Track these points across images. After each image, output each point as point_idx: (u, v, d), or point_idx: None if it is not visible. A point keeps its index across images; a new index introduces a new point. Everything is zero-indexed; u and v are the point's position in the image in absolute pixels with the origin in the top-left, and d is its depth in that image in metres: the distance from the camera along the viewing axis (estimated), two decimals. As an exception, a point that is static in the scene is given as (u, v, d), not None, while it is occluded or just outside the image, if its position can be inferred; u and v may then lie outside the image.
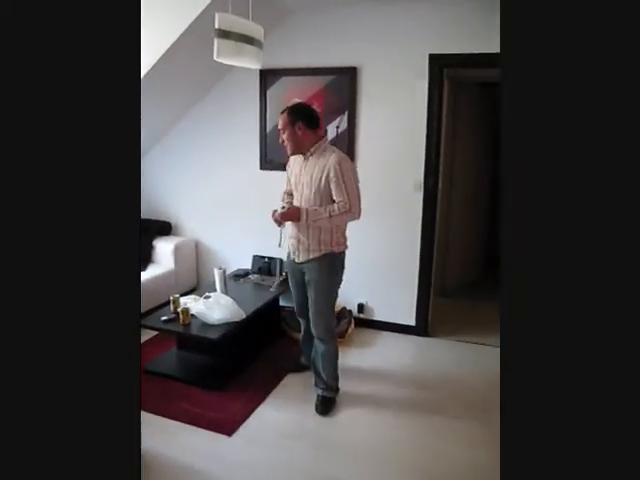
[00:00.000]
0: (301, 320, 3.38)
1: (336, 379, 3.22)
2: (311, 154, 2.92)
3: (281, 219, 2.93)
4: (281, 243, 3.09)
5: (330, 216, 2.81)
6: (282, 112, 2.92)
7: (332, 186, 2.81)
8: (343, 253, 3.05)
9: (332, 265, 2.99)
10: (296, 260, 3.06)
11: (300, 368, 3.54)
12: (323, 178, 2.83)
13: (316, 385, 3.21)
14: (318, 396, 3.17)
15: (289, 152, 2.97)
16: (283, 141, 2.93)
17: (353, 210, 2.81)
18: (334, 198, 2.83)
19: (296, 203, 3.02)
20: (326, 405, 3.14)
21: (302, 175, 2.96)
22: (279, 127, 2.92)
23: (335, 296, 3.12)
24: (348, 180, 2.80)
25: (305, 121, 2.87)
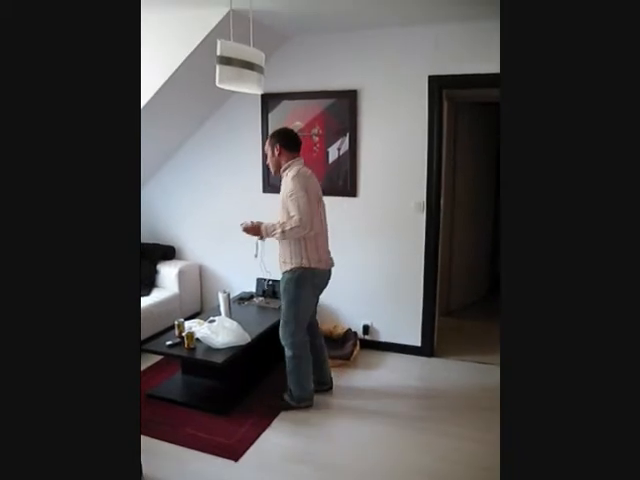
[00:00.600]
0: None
1: (299, 388, 3.32)
2: (282, 172, 3.20)
3: (245, 232, 3.22)
4: (257, 254, 3.34)
5: (283, 231, 3.02)
6: (268, 138, 3.28)
7: (287, 202, 3.03)
8: (315, 269, 3.18)
9: (299, 279, 3.15)
10: (280, 271, 3.28)
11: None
12: (283, 195, 3.10)
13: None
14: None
15: (272, 172, 3.31)
16: (267, 162, 3.29)
17: (302, 225, 2.97)
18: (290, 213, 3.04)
19: None
20: (279, 407, 3.36)
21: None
22: (265, 150, 3.30)
23: (303, 310, 3.24)
24: (300, 196, 2.98)
25: (282, 143, 3.18)
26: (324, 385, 3.54)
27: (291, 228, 2.98)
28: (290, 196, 3.00)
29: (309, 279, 3.17)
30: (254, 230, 3.17)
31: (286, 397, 3.37)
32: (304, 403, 3.35)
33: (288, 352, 3.29)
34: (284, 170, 3.17)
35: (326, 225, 3.29)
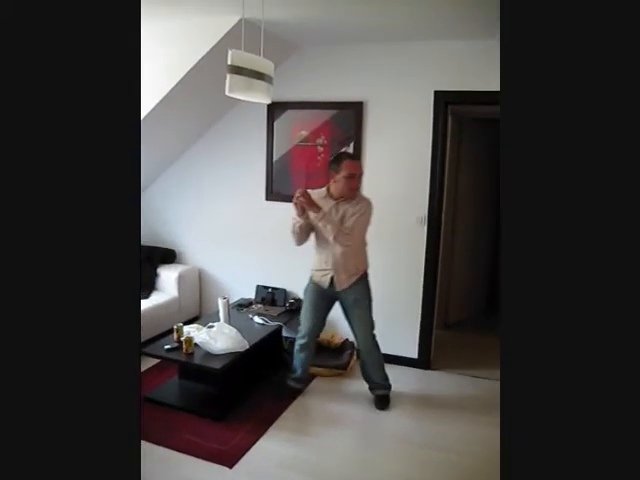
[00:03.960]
0: (306, 342, 3.56)
1: (385, 374, 3.60)
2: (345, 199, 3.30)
3: (300, 203, 3.12)
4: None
5: (339, 230, 3.17)
6: (355, 159, 3.43)
7: (361, 218, 3.26)
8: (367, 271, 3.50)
9: (368, 281, 3.46)
10: (337, 289, 3.37)
11: (294, 392, 3.69)
12: (358, 211, 3.25)
13: (372, 389, 3.61)
14: (377, 396, 3.57)
15: (355, 194, 3.28)
16: (356, 185, 3.27)
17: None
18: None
19: (321, 241, 3.34)
20: (386, 402, 3.55)
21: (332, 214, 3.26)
22: (358, 172, 3.27)
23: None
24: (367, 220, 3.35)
25: None
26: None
27: (345, 235, 3.18)
28: (364, 214, 3.25)
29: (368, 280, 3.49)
30: (313, 203, 3.14)
31: (384, 393, 3.58)
32: (390, 389, 3.61)
33: (376, 354, 3.53)
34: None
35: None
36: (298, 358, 3.62)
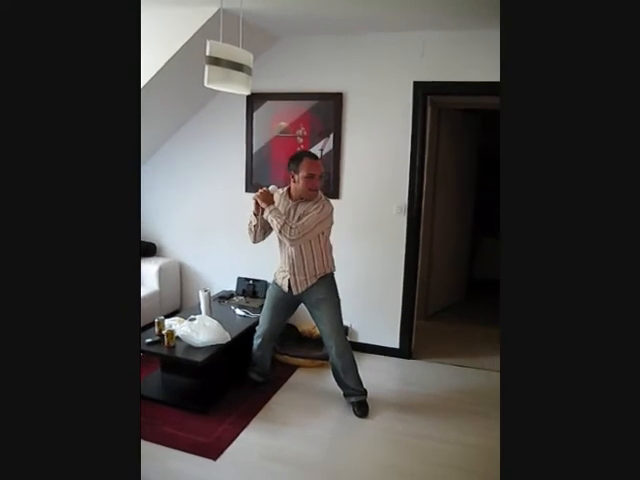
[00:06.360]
0: (262, 342, 3.50)
1: (359, 379, 3.41)
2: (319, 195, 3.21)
3: (258, 197, 3.11)
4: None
5: (285, 223, 3.03)
6: (316, 158, 3.21)
7: (316, 217, 3.11)
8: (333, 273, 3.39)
9: (332, 281, 3.35)
10: (294, 293, 3.29)
11: (257, 384, 3.64)
12: (313, 212, 3.12)
13: (347, 396, 3.42)
14: (354, 403, 3.37)
15: (314, 194, 3.17)
16: (316, 185, 3.15)
17: (300, 232, 3.06)
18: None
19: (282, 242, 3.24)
20: (365, 408, 3.35)
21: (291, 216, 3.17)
22: (318, 173, 3.13)
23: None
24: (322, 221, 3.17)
25: None
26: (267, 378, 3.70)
27: (290, 228, 3.01)
28: (320, 212, 3.10)
29: (334, 280, 3.39)
30: (268, 199, 3.10)
31: (359, 399, 3.38)
32: (366, 394, 3.42)
33: (347, 356, 3.33)
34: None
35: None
36: (256, 355, 3.56)
